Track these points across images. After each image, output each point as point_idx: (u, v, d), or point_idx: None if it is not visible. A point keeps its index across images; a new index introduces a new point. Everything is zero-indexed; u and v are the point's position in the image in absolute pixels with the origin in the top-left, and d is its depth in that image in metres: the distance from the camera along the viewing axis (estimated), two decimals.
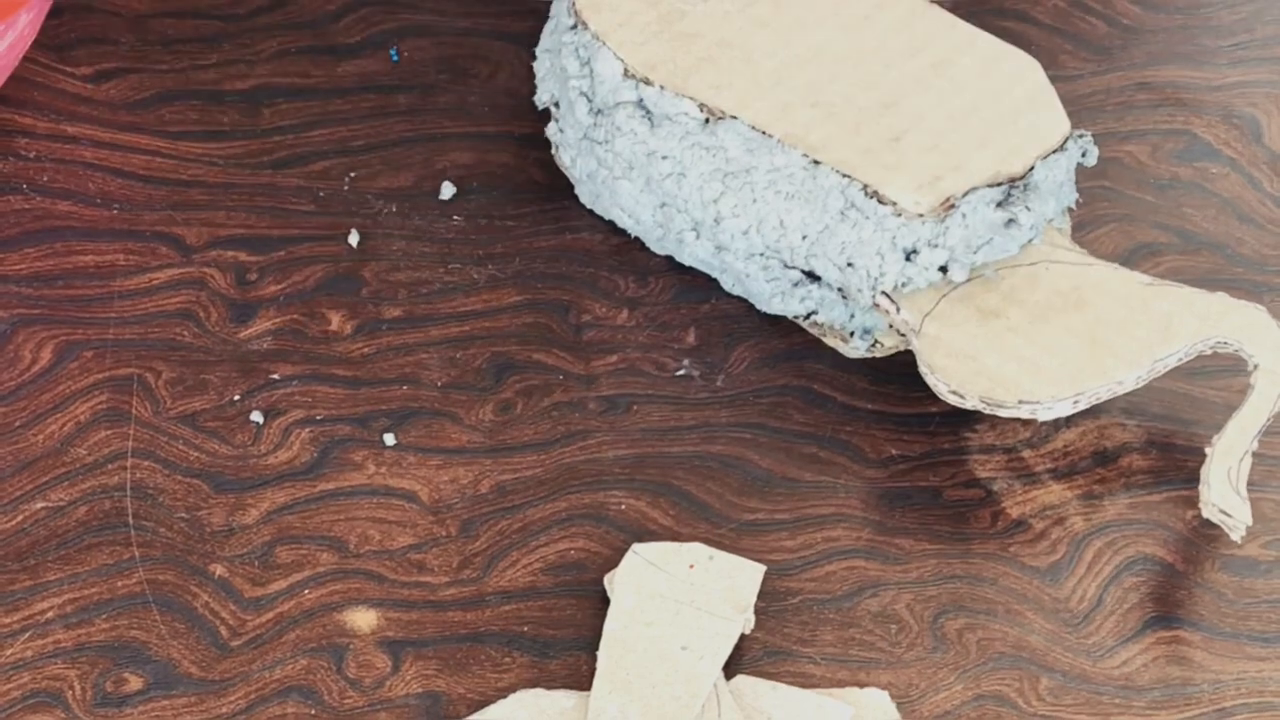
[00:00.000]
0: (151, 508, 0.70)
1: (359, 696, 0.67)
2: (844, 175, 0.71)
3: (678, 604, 0.68)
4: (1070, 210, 0.77)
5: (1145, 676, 0.69)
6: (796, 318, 0.76)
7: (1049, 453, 0.74)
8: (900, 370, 0.76)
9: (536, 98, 0.80)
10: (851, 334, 0.75)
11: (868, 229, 0.71)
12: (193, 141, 0.79)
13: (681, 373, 0.75)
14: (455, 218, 0.79)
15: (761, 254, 0.74)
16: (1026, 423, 0.74)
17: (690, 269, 0.78)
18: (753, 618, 0.69)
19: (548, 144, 0.81)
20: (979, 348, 0.71)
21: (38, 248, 0.76)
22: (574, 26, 0.76)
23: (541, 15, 0.85)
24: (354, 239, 0.77)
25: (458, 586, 0.70)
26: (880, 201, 0.71)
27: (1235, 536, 0.69)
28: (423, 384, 0.74)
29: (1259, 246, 0.80)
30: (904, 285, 0.72)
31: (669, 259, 0.78)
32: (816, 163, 0.72)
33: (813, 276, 0.74)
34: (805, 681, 0.68)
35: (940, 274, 0.72)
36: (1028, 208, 0.72)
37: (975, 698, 0.68)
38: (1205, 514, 0.70)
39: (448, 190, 0.78)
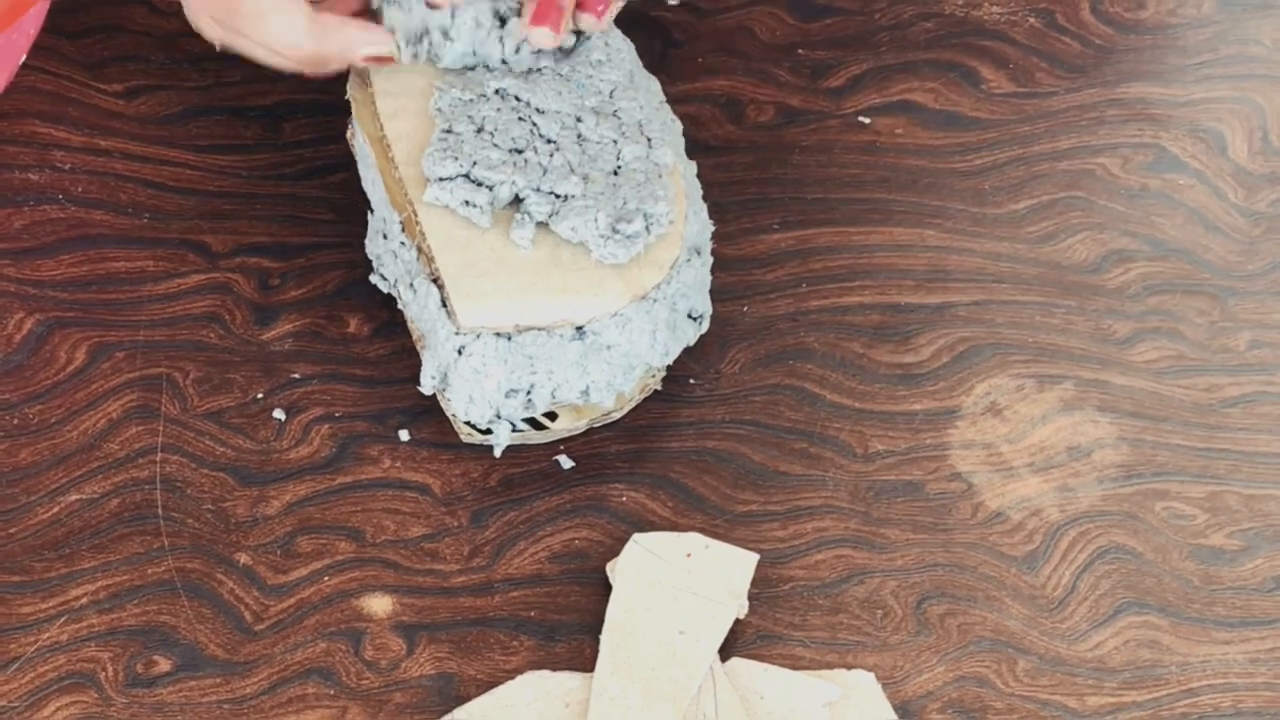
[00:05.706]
0: (180, 499, 0.70)
1: (375, 677, 0.67)
2: None
3: (676, 590, 0.68)
4: None
5: (1117, 659, 0.69)
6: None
7: (1026, 448, 0.74)
8: (889, 370, 0.76)
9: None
10: None
11: None
12: (219, 154, 0.79)
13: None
14: None
15: None
16: (1005, 420, 0.75)
17: None
18: (746, 603, 0.69)
19: None
20: None
21: (72, 254, 0.76)
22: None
23: None
24: None
25: (468, 574, 0.70)
26: None
27: None
28: None
29: (1224, 253, 0.80)
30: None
31: None
32: None
33: None
34: (796, 664, 0.68)
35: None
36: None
37: (956, 679, 0.69)
38: None
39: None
